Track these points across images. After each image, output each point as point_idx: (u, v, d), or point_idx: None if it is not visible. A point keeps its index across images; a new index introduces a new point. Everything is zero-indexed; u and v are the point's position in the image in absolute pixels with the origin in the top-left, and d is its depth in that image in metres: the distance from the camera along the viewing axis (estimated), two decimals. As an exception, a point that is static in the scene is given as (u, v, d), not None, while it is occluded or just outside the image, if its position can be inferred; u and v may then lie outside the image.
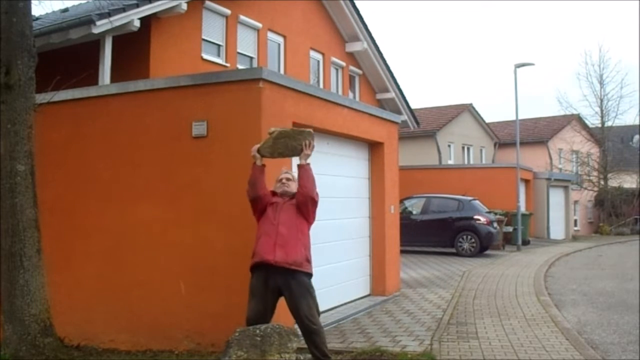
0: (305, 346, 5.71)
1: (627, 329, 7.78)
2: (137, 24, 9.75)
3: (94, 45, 9.66)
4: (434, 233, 16.90)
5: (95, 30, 9.24)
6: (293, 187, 5.48)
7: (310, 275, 5.33)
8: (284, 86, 6.68)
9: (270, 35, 13.63)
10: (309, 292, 5.26)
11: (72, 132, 7.27)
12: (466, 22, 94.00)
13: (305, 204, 5.35)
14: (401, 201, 14.79)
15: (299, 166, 5.45)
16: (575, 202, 31.62)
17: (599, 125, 33.70)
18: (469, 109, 29.07)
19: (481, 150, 29.91)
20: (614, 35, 77.08)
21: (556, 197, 26.39)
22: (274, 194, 5.53)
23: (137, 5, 9.69)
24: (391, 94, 18.06)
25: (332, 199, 8.18)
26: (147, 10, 9.89)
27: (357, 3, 16.07)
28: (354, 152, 8.99)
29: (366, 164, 9.42)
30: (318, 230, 7.76)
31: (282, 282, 5.19)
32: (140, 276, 6.72)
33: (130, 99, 7.02)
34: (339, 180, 8.44)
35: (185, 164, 6.61)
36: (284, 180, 5.53)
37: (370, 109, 9.25)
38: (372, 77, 17.74)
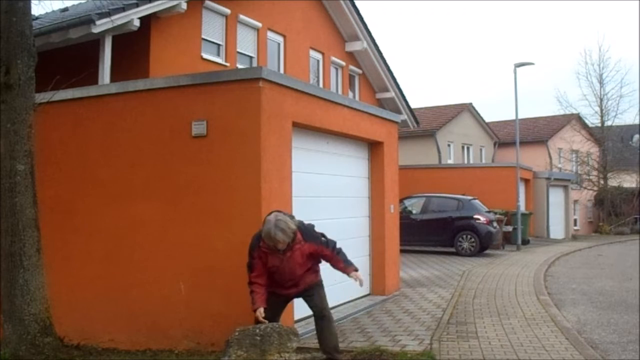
0: (305, 346, 5.73)
1: (627, 328, 7.78)
2: (136, 23, 9.75)
3: (93, 45, 9.66)
4: (433, 232, 16.89)
5: (95, 30, 9.24)
6: (287, 242, 5.16)
7: (320, 281, 5.61)
8: (283, 85, 6.68)
9: (270, 34, 13.62)
10: (321, 286, 5.59)
11: (72, 131, 7.27)
12: (466, 22, 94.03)
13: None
14: (401, 200, 14.79)
15: None
16: (575, 201, 31.63)
17: (599, 125, 33.69)
18: (468, 108, 29.08)
19: (481, 150, 29.92)
20: (613, 34, 77.11)
21: (556, 197, 26.39)
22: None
23: (137, 5, 9.68)
24: (391, 94, 18.06)
25: (331, 198, 8.19)
26: (146, 9, 9.89)
27: (357, 3, 16.09)
28: (353, 151, 8.99)
29: (366, 163, 9.42)
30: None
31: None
32: (140, 276, 6.72)
33: (130, 99, 7.02)
34: (339, 180, 8.44)
35: (184, 163, 6.61)
36: (279, 247, 5.16)
37: (370, 109, 9.24)
38: (371, 77, 17.74)
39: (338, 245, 5.52)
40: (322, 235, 5.48)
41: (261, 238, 5.18)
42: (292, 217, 5.33)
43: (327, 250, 5.41)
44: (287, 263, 5.23)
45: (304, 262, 5.32)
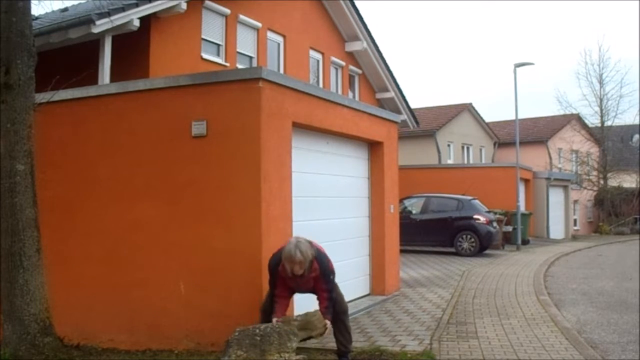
0: (305, 346, 5.73)
1: (627, 328, 7.79)
2: (136, 23, 9.75)
3: (93, 45, 9.66)
4: (433, 232, 16.89)
5: (95, 30, 9.24)
6: (303, 269, 5.37)
7: (333, 272, 5.64)
8: (283, 86, 6.67)
9: (270, 34, 13.63)
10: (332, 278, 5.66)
11: (72, 131, 7.26)
12: (466, 22, 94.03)
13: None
14: (401, 201, 14.79)
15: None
16: (575, 201, 31.64)
17: (599, 125, 33.70)
18: (468, 108, 29.08)
19: (481, 150, 29.93)
20: (613, 34, 77.11)
21: (556, 197, 26.40)
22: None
23: (137, 5, 9.68)
24: (391, 94, 18.07)
25: (331, 198, 8.19)
26: (146, 9, 9.89)
27: (356, 3, 16.10)
28: (353, 151, 8.99)
29: (366, 163, 9.41)
30: (318, 230, 7.79)
31: None
32: (139, 276, 6.72)
33: (130, 99, 7.02)
34: (339, 180, 8.44)
35: (184, 163, 6.60)
36: (295, 273, 5.37)
37: (370, 109, 9.24)
38: (371, 77, 17.75)
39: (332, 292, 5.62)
40: (332, 273, 5.60)
41: (279, 262, 5.39)
42: (311, 243, 5.44)
43: (326, 287, 5.52)
44: (303, 284, 5.56)
45: (316, 283, 5.55)
